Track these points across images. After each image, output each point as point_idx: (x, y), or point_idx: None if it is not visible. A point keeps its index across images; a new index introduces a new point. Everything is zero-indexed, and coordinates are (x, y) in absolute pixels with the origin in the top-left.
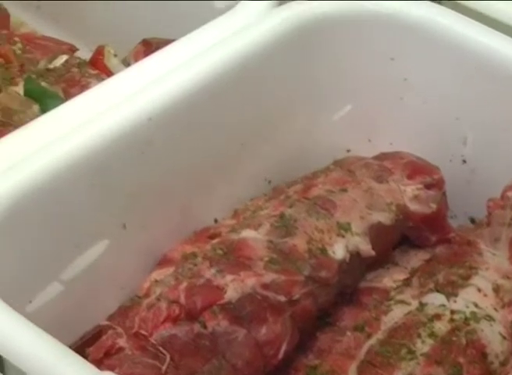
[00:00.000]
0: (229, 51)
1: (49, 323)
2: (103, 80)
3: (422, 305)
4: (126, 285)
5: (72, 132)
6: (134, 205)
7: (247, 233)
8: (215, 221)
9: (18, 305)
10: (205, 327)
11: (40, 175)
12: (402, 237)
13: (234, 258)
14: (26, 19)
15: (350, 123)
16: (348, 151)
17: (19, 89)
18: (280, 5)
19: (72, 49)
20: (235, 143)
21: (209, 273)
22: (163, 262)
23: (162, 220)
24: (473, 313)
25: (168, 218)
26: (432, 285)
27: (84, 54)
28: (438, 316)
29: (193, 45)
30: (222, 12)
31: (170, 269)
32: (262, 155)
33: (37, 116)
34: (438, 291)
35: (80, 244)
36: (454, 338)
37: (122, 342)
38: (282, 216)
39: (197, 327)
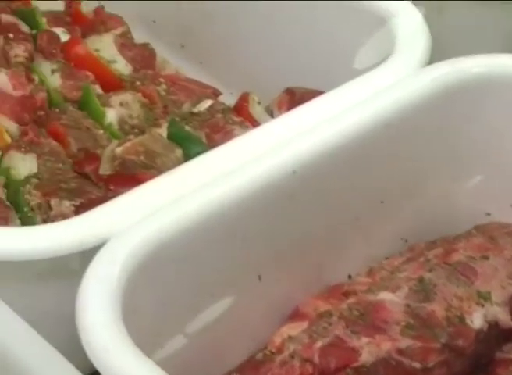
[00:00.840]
0: (375, 108)
1: (179, 369)
2: (247, 127)
3: None
4: (256, 336)
5: (216, 181)
6: (271, 257)
7: (385, 296)
8: (349, 277)
9: (150, 349)
10: None
11: (181, 223)
12: None
13: (370, 320)
14: (169, 58)
15: (492, 186)
16: (488, 214)
17: (163, 131)
18: (429, 64)
19: (215, 93)
20: (375, 200)
21: (344, 333)
22: (295, 316)
23: (297, 274)
24: None
25: (302, 271)
26: None
27: (226, 98)
28: None
29: (341, 100)
30: (368, 67)
31: (302, 324)
32: (400, 214)
33: (179, 160)
34: None
35: (214, 294)
36: None
37: None
38: (421, 279)
39: None
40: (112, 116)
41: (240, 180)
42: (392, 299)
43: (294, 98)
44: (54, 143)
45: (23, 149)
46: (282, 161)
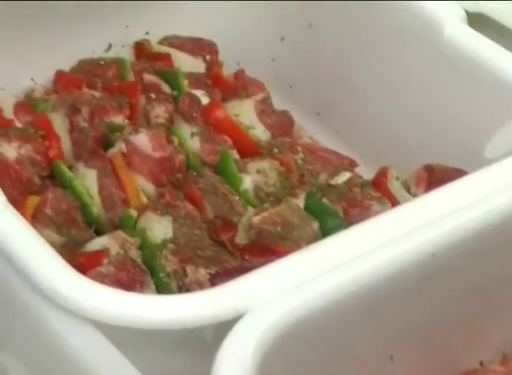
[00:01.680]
0: None
1: None
2: (385, 203)
3: None
4: None
5: (354, 260)
6: (403, 338)
7: None
8: (481, 364)
9: None
10: None
11: (319, 300)
12: None
13: None
14: (304, 125)
15: None
16: None
17: (299, 202)
18: None
19: (352, 165)
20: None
21: None
22: None
23: (428, 357)
24: None
25: (433, 355)
26: None
27: (361, 168)
28: None
29: (486, 182)
30: None
31: None
32: None
33: (315, 233)
34: None
35: (345, 372)
36: None
37: None
38: None
39: None
40: (248, 182)
41: (378, 260)
42: None
43: (434, 175)
44: (190, 207)
45: (159, 211)
46: (423, 243)
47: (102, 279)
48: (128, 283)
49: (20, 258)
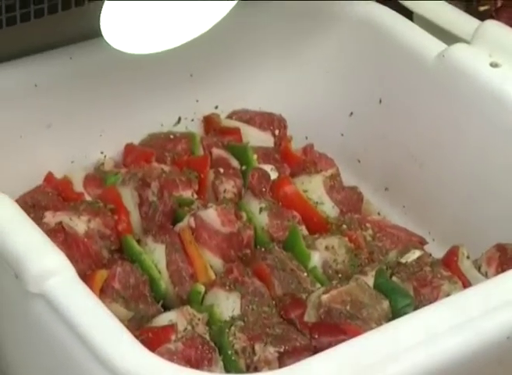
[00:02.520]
0: None
1: None
2: (455, 283)
3: None
4: None
5: (426, 342)
6: None
7: None
8: None
9: None
10: None
11: None
12: None
13: None
14: (372, 200)
15: None
16: None
17: (368, 280)
18: None
19: (421, 242)
20: None
21: None
22: None
23: None
24: None
25: None
26: None
27: (431, 247)
28: None
29: None
30: None
31: None
32: None
33: (385, 312)
34: None
35: None
36: None
37: None
38: None
39: None
40: (317, 259)
41: (450, 343)
42: None
43: (506, 255)
44: (258, 283)
45: (227, 287)
46: (497, 326)
47: (171, 356)
48: (196, 361)
49: (89, 333)
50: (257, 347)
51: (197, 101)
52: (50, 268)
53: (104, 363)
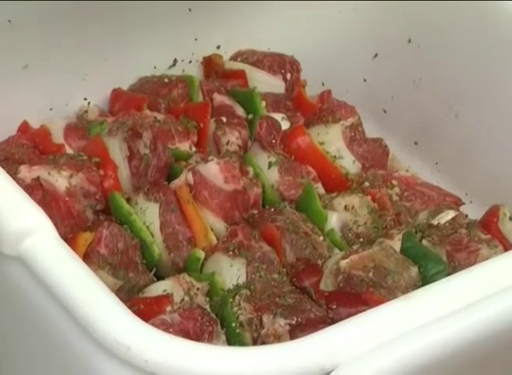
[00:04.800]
0: None
1: None
2: (495, 247)
3: None
4: None
5: (457, 314)
6: None
7: None
8: None
9: None
10: None
11: (410, 361)
12: None
13: None
14: (400, 156)
15: None
16: None
17: (395, 244)
18: None
19: (457, 203)
20: None
21: None
22: None
23: None
24: None
25: None
26: None
27: (468, 209)
28: None
29: None
30: None
31: None
32: None
33: (414, 280)
34: None
35: None
36: None
37: None
38: None
39: None
40: (334, 221)
41: (486, 314)
42: None
43: None
44: (267, 248)
45: (230, 253)
46: None
47: (166, 328)
48: (195, 334)
49: (73, 301)
50: (265, 318)
51: (196, 39)
52: (27, 227)
53: (90, 335)
